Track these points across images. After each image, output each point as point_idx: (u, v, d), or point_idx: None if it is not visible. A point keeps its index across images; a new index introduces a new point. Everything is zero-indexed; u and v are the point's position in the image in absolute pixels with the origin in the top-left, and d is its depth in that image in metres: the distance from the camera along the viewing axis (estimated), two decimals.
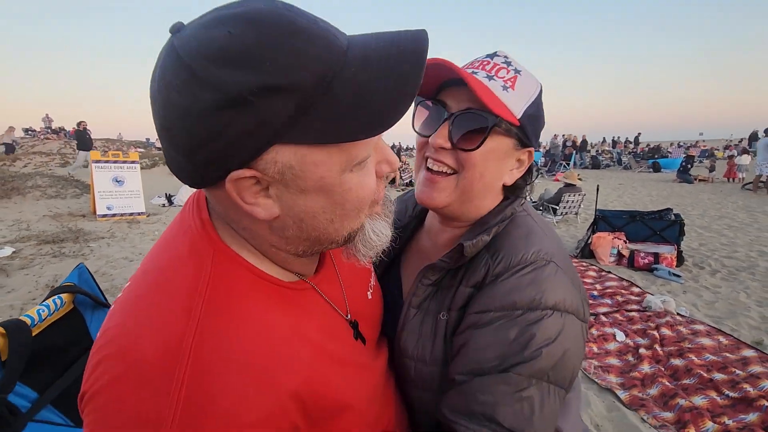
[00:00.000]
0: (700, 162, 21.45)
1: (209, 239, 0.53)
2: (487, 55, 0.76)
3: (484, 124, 0.70)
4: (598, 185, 6.73)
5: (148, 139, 30.62)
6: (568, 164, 19.37)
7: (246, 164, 0.44)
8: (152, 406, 0.42)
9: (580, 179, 8.53)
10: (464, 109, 0.71)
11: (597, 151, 27.10)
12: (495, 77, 0.72)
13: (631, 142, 30.53)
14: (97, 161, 7.56)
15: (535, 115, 0.74)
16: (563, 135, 22.33)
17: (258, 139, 0.42)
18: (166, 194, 10.48)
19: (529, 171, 0.81)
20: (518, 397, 0.62)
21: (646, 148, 26.19)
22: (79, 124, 13.04)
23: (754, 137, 27.44)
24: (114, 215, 7.40)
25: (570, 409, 0.79)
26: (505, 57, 0.75)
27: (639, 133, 31.04)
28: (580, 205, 8.21)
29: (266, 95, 0.40)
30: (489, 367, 0.64)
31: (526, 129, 0.74)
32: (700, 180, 15.06)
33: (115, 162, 7.78)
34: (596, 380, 2.86)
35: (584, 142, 23.03)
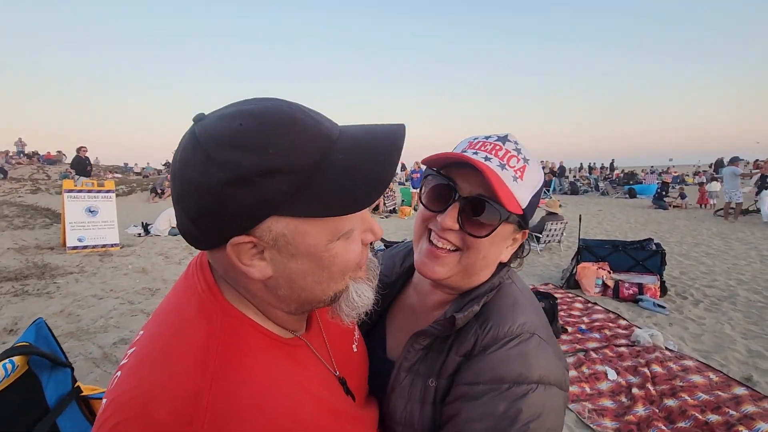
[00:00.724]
0: (673, 188, 22.29)
1: (216, 300, 0.56)
2: (498, 138, 0.76)
3: (495, 215, 0.72)
4: (580, 215, 6.81)
5: (126, 164, 30.04)
6: (548, 190, 19.79)
7: (245, 231, 0.51)
8: None
9: (560, 206, 8.65)
10: (476, 195, 0.73)
11: (575, 177, 27.86)
12: (507, 166, 0.73)
13: (606, 168, 31.55)
14: (70, 190, 7.26)
15: (535, 203, 0.78)
16: (541, 161, 22.92)
17: (257, 212, 0.49)
18: (142, 223, 10.14)
19: (521, 247, 0.85)
20: None
21: (621, 174, 27.05)
22: (78, 149, 12.61)
23: (719, 164, 28.78)
24: (85, 247, 7.05)
25: None
26: (516, 143, 0.76)
27: (613, 160, 32.17)
28: (562, 233, 8.29)
29: (267, 176, 0.47)
30: None
31: (527, 215, 0.77)
32: (674, 206, 15.56)
33: (89, 191, 7.49)
34: (591, 425, 2.75)
35: (562, 168, 23.68)
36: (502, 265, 0.83)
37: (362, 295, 0.62)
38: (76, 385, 1.90)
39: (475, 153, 0.74)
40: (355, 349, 0.81)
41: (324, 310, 0.69)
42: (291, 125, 0.49)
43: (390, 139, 0.53)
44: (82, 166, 12.78)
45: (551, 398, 0.69)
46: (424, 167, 0.85)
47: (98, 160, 30.16)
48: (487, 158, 0.73)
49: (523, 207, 0.74)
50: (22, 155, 26.39)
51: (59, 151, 28.09)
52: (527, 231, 0.82)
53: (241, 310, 0.58)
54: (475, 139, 0.79)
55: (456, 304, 0.79)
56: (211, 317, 0.54)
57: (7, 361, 1.53)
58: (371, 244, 0.63)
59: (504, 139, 0.76)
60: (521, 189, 0.73)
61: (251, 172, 0.47)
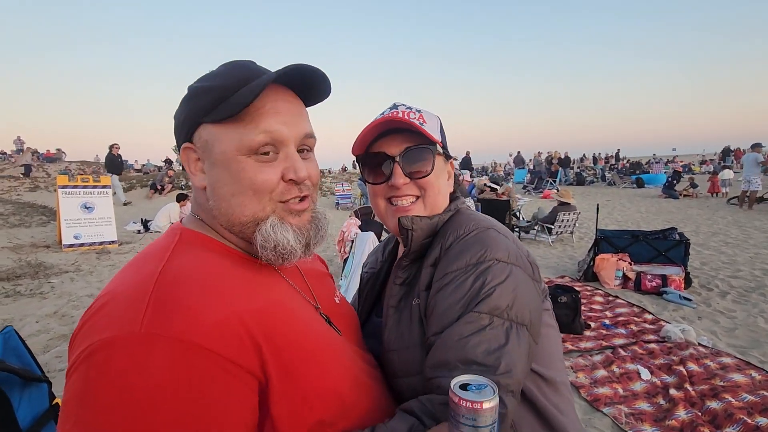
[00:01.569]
0: (682, 177, 21.91)
1: (178, 228, 0.72)
2: (391, 108, 0.90)
3: (427, 153, 0.87)
4: (598, 205, 6.54)
5: (125, 161, 29.80)
6: (555, 181, 19.46)
7: (189, 138, 0.70)
8: (125, 313, 0.52)
9: (571, 196, 8.37)
10: (405, 150, 0.87)
11: (579, 167, 27.47)
12: (411, 120, 0.85)
13: (612, 157, 31.14)
14: (64, 186, 7.01)
15: (443, 135, 0.94)
16: (547, 152, 22.56)
17: (194, 118, 0.69)
18: (142, 219, 9.91)
19: (456, 179, 1.00)
20: (483, 333, 0.68)
21: (627, 164, 26.65)
22: (111, 147, 12.35)
23: (727, 152, 28.38)
24: (82, 245, 6.81)
25: (568, 407, 0.83)
26: (404, 104, 0.90)
27: (618, 149, 31.76)
28: (575, 224, 8.02)
29: (204, 92, 0.68)
30: (455, 317, 0.71)
31: (445, 146, 0.94)
32: (684, 195, 15.22)
33: (85, 187, 7.24)
34: None
35: (567, 158, 23.31)
36: (453, 198, 0.96)
37: (278, 232, 0.67)
38: (54, 402, 1.65)
39: (382, 124, 0.87)
40: (337, 301, 0.90)
41: (305, 263, 0.86)
42: (231, 66, 0.71)
43: (273, 74, 0.66)
44: (115, 164, 12.56)
45: (515, 272, 0.75)
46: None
47: (98, 157, 29.91)
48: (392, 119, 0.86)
49: (439, 139, 0.89)
50: (21, 153, 26.15)
51: (58, 149, 27.86)
52: (452, 161, 0.99)
53: (199, 231, 0.71)
54: (374, 119, 0.89)
55: None
56: (171, 236, 0.69)
57: None
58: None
59: (394, 107, 0.90)
60: (429, 128, 0.87)
61: (194, 91, 0.69)
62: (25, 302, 4.29)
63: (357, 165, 0.96)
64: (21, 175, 16.76)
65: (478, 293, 0.71)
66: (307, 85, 0.71)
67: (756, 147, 11.44)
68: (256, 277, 0.68)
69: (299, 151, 0.71)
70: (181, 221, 0.75)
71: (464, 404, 0.52)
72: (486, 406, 0.51)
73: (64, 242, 6.69)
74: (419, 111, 0.89)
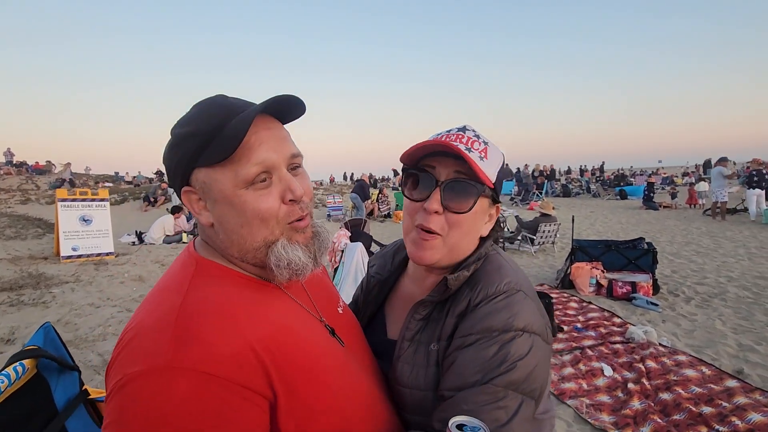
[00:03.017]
0: (662, 189, 22.59)
1: (193, 257, 0.75)
2: (459, 129, 0.86)
3: (473, 190, 0.83)
4: (573, 216, 6.93)
5: (116, 173, 29.76)
6: (541, 193, 19.98)
7: (187, 182, 0.72)
8: (152, 346, 0.59)
9: (553, 208, 8.77)
10: (453, 177, 0.83)
11: (566, 179, 28.14)
12: (472, 149, 0.82)
13: (597, 169, 31.92)
14: (63, 200, 7.21)
15: (501, 178, 0.89)
16: (533, 165, 23.15)
17: (186, 164, 0.70)
18: (136, 232, 10.08)
19: (497, 222, 0.95)
20: (496, 405, 0.71)
21: (611, 176, 27.39)
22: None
23: (707, 164, 29.25)
24: (80, 256, 7.00)
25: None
26: (473, 131, 0.87)
27: (603, 162, 32.57)
28: (556, 235, 8.41)
29: (187, 139, 0.69)
30: (472, 382, 0.73)
31: (497, 190, 0.88)
32: (664, 207, 15.80)
33: (83, 200, 7.45)
34: (589, 420, 2.81)
35: (553, 171, 23.93)
36: (483, 240, 0.92)
37: (289, 252, 0.72)
38: (83, 388, 1.91)
39: (435, 140, 0.83)
40: (340, 311, 0.93)
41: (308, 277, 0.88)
42: (207, 106, 0.72)
43: (253, 110, 0.69)
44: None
45: (536, 344, 0.76)
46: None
47: (89, 169, 29.86)
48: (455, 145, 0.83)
49: (493, 181, 0.84)
50: (10, 165, 26.05)
51: (48, 161, 27.76)
52: (499, 206, 0.94)
53: (213, 260, 0.75)
54: (438, 134, 0.88)
55: (449, 273, 0.88)
56: (188, 267, 0.73)
57: (17, 364, 1.55)
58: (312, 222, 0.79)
59: (463, 129, 0.86)
60: (488, 166, 0.83)
61: (178, 138, 0.71)
62: (29, 311, 4.49)
63: (399, 173, 1.06)
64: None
65: (499, 366, 0.72)
66: (283, 109, 0.75)
67: (722, 161, 12.10)
68: (265, 299, 0.73)
69: (290, 170, 0.74)
70: (194, 244, 0.79)
71: None
72: None
73: (62, 254, 6.87)
74: (486, 143, 0.86)
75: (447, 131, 0.87)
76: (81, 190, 7.90)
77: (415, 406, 0.82)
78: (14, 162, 26.92)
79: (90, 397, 1.83)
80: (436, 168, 0.84)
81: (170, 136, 0.73)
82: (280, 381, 0.64)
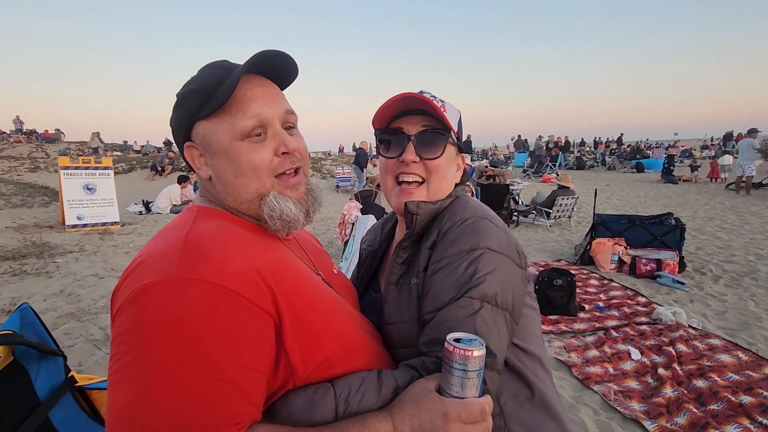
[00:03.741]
0: (681, 162, 21.81)
1: (194, 207, 0.80)
2: (418, 92, 0.92)
3: (441, 138, 0.93)
4: (596, 189, 6.59)
5: (125, 142, 29.55)
6: (555, 165, 19.42)
7: (189, 137, 0.79)
8: (161, 263, 0.62)
9: (572, 181, 8.40)
10: (422, 130, 0.92)
11: (579, 152, 27.33)
12: (433, 103, 0.89)
13: (614, 141, 30.93)
14: (66, 167, 7.03)
15: (460, 130, 1.00)
16: (547, 136, 22.43)
17: (188, 120, 0.78)
18: (143, 201, 9.95)
19: (465, 173, 1.04)
20: (474, 317, 0.75)
21: (628, 149, 26.51)
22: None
23: (728, 137, 28.15)
24: (85, 225, 6.88)
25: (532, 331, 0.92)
26: (429, 92, 0.94)
27: (622, 134, 31.50)
28: (573, 209, 8.08)
29: (189, 96, 0.77)
30: (447, 299, 0.78)
31: (460, 139, 0.98)
32: (684, 180, 15.23)
33: (86, 168, 7.25)
34: (619, 408, 2.62)
35: (567, 143, 23.19)
36: (455, 187, 1.00)
37: (281, 203, 0.76)
38: (69, 375, 1.73)
39: (404, 100, 0.90)
40: (335, 272, 0.99)
41: (300, 237, 0.95)
42: (209, 67, 0.78)
43: (245, 64, 0.75)
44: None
45: (504, 261, 0.81)
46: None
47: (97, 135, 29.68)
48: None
49: (455, 130, 0.95)
50: (20, 133, 25.95)
51: (57, 129, 27.59)
52: (464, 156, 1.04)
53: (213, 207, 0.80)
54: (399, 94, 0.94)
55: None
56: (189, 212, 0.77)
57: None
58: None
59: (420, 92, 0.92)
60: (449, 116, 0.91)
61: (182, 96, 0.77)
62: (32, 281, 4.38)
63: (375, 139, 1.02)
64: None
65: (470, 279, 0.77)
66: (276, 69, 0.79)
67: (752, 132, 11.42)
68: (265, 239, 0.78)
69: (285, 129, 0.79)
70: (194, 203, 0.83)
71: (457, 352, 0.63)
72: (475, 354, 0.62)
73: (67, 223, 6.75)
74: (443, 101, 0.93)
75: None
76: (84, 158, 7.70)
77: (403, 339, 0.86)
78: (24, 130, 26.81)
79: (77, 384, 1.65)
80: (404, 126, 0.93)
81: (175, 98, 0.78)
82: (284, 303, 0.66)
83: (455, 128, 0.95)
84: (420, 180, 0.94)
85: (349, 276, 1.17)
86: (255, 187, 0.75)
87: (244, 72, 0.73)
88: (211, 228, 0.70)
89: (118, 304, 0.61)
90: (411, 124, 0.93)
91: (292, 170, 0.79)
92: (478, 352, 0.63)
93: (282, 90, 0.84)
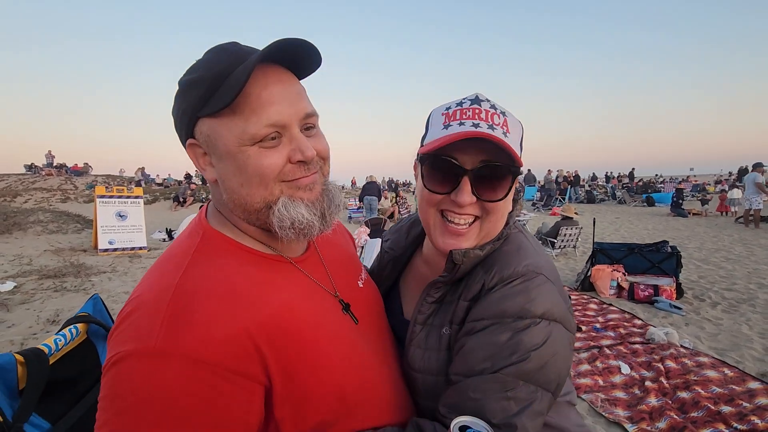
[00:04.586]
0: (692, 196, 21.79)
1: (201, 225, 0.73)
2: (472, 102, 0.77)
3: (507, 174, 0.77)
4: (594, 218, 6.85)
5: (148, 175, 30.98)
6: (564, 199, 19.63)
7: (191, 134, 0.69)
8: (146, 326, 0.58)
9: (576, 213, 8.67)
10: (481, 164, 0.76)
11: (590, 185, 27.52)
12: (494, 126, 0.75)
13: (625, 176, 31.08)
14: (102, 196, 7.67)
15: (521, 148, 0.82)
16: (557, 171, 22.79)
17: (190, 114, 0.67)
18: (166, 229, 10.54)
19: (516, 192, 0.86)
20: (504, 395, 0.66)
21: (640, 183, 26.63)
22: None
23: (743, 172, 27.99)
24: (116, 249, 7.42)
25: (569, 413, 0.85)
26: (488, 101, 0.78)
27: (633, 168, 31.71)
28: (577, 239, 8.30)
29: (192, 86, 0.66)
30: (480, 369, 0.69)
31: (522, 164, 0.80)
32: (694, 214, 15.26)
33: (120, 197, 7.90)
34: (604, 414, 2.83)
35: (577, 177, 23.48)
36: (509, 217, 0.86)
37: (291, 210, 0.67)
38: None
39: (461, 124, 0.74)
40: (361, 285, 0.89)
41: (324, 245, 0.86)
42: (215, 52, 0.68)
43: (257, 55, 0.64)
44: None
45: (555, 333, 0.70)
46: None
47: (123, 171, 31.25)
48: (475, 125, 0.74)
49: (520, 155, 0.78)
50: (51, 167, 27.59)
51: (86, 163, 29.24)
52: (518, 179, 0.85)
53: (220, 230, 0.72)
54: (448, 108, 0.79)
55: None
56: (193, 237, 0.71)
57: (72, 327, 1.73)
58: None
59: (477, 101, 0.77)
60: (513, 142, 0.76)
61: (184, 85, 0.68)
62: (71, 297, 4.83)
63: (418, 165, 0.85)
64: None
65: (511, 355, 0.67)
66: (296, 58, 0.69)
67: (757, 167, 11.62)
68: (270, 278, 0.70)
69: (304, 130, 0.69)
70: (206, 213, 0.77)
71: None
72: None
73: (99, 246, 7.31)
74: (504, 114, 0.77)
75: (458, 104, 0.78)
76: (118, 187, 8.37)
77: (428, 392, 0.78)
78: (54, 164, 28.48)
79: None
80: (459, 157, 0.76)
81: (177, 86, 0.68)
82: (277, 367, 0.62)
83: (520, 153, 0.77)
84: (472, 219, 0.79)
85: None
86: (262, 195, 0.67)
87: (258, 62, 0.62)
88: (207, 274, 0.64)
89: (106, 360, 0.59)
90: (467, 153, 0.76)
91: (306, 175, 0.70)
92: None
93: (300, 80, 0.72)
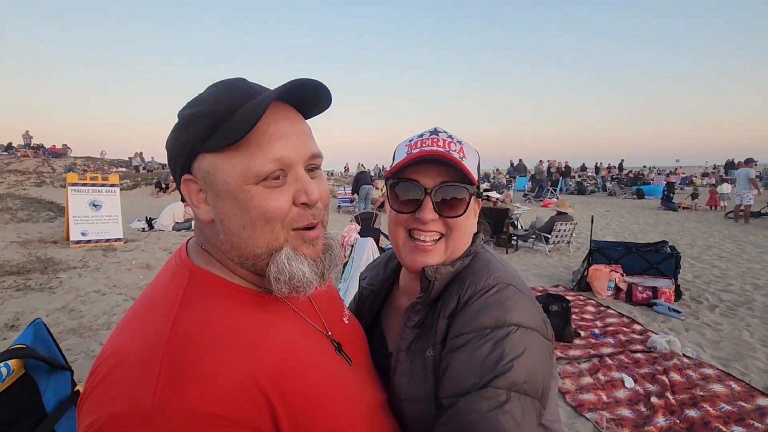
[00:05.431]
0: (681, 189, 21.97)
1: (185, 265, 0.67)
2: (431, 133, 0.86)
3: (463, 192, 0.83)
4: (592, 216, 6.69)
5: (130, 158, 30.04)
6: (555, 190, 19.58)
7: (188, 170, 0.64)
8: (138, 383, 0.50)
9: (570, 207, 8.50)
10: (440, 184, 0.82)
11: (581, 176, 27.57)
12: (451, 151, 0.82)
13: (615, 168, 31.22)
14: (74, 184, 7.18)
15: (478, 172, 0.92)
16: (547, 161, 22.70)
17: (189, 149, 0.63)
18: (146, 218, 10.07)
19: (479, 215, 0.95)
20: (501, 411, 0.66)
21: (630, 175, 26.75)
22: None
23: (730, 165, 28.41)
24: (89, 241, 6.97)
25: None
26: (445, 131, 0.87)
27: (622, 160, 31.87)
28: (571, 234, 8.16)
29: (195, 119, 0.62)
30: (469, 386, 0.69)
31: (479, 185, 0.88)
32: (683, 208, 15.33)
33: (94, 185, 7.41)
34: None
35: (568, 168, 23.45)
36: (474, 237, 0.92)
37: (293, 265, 0.64)
38: (75, 389, 1.80)
39: (421, 150, 0.82)
40: (346, 321, 0.88)
41: None
42: (222, 86, 0.65)
43: (265, 102, 0.59)
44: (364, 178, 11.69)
45: (533, 340, 0.73)
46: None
47: (105, 153, 30.19)
48: (434, 150, 0.82)
49: (476, 177, 0.85)
50: (28, 148, 26.43)
51: (65, 144, 28.09)
52: (480, 200, 0.94)
53: (208, 269, 0.66)
54: (410, 140, 0.87)
55: None
56: (180, 278, 0.64)
57: (2, 365, 1.44)
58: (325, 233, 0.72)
59: (435, 132, 0.86)
60: (469, 165, 0.83)
61: (186, 118, 0.63)
62: (35, 296, 4.44)
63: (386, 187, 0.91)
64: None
65: (496, 366, 0.68)
66: (306, 98, 0.67)
67: (749, 162, 11.62)
68: (269, 319, 0.66)
69: (308, 170, 0.67)
70: (187, 251, 0.71)
71: None
72: None
73: (71, 238, 6.85)
74: (460, 143, 0.85)
75: (419, 136, 0.86)
76: (92, 174, 7.86)
77: (416, 420, 0.78)
78: (32, 144, 27.30)
79: None
80: (420, 178, 0.83)
81: (177, 119, 0.65)
82: (285, 416, 0.58)
83: (475, 175, 0.85)
84: (437, 236, 0.85)
85: (348, 301, 1.12)
86: (266, 240, 0.63)
87: (274, 100, 0.60)
88: (203, 317, 0.59)
89: (83, 430, 0.50)
90: (428, 175, 0.82)
91: (312, 225, 0.67)
92: None
93: (306, 119, 0.71)
